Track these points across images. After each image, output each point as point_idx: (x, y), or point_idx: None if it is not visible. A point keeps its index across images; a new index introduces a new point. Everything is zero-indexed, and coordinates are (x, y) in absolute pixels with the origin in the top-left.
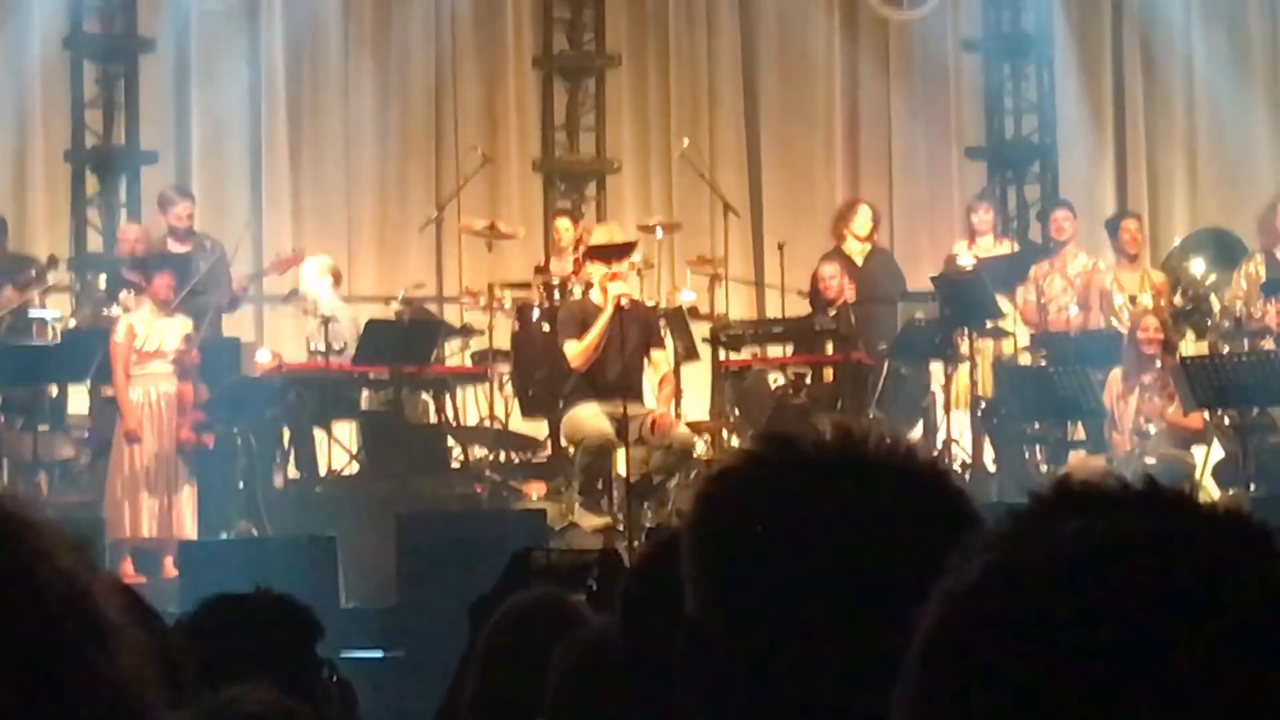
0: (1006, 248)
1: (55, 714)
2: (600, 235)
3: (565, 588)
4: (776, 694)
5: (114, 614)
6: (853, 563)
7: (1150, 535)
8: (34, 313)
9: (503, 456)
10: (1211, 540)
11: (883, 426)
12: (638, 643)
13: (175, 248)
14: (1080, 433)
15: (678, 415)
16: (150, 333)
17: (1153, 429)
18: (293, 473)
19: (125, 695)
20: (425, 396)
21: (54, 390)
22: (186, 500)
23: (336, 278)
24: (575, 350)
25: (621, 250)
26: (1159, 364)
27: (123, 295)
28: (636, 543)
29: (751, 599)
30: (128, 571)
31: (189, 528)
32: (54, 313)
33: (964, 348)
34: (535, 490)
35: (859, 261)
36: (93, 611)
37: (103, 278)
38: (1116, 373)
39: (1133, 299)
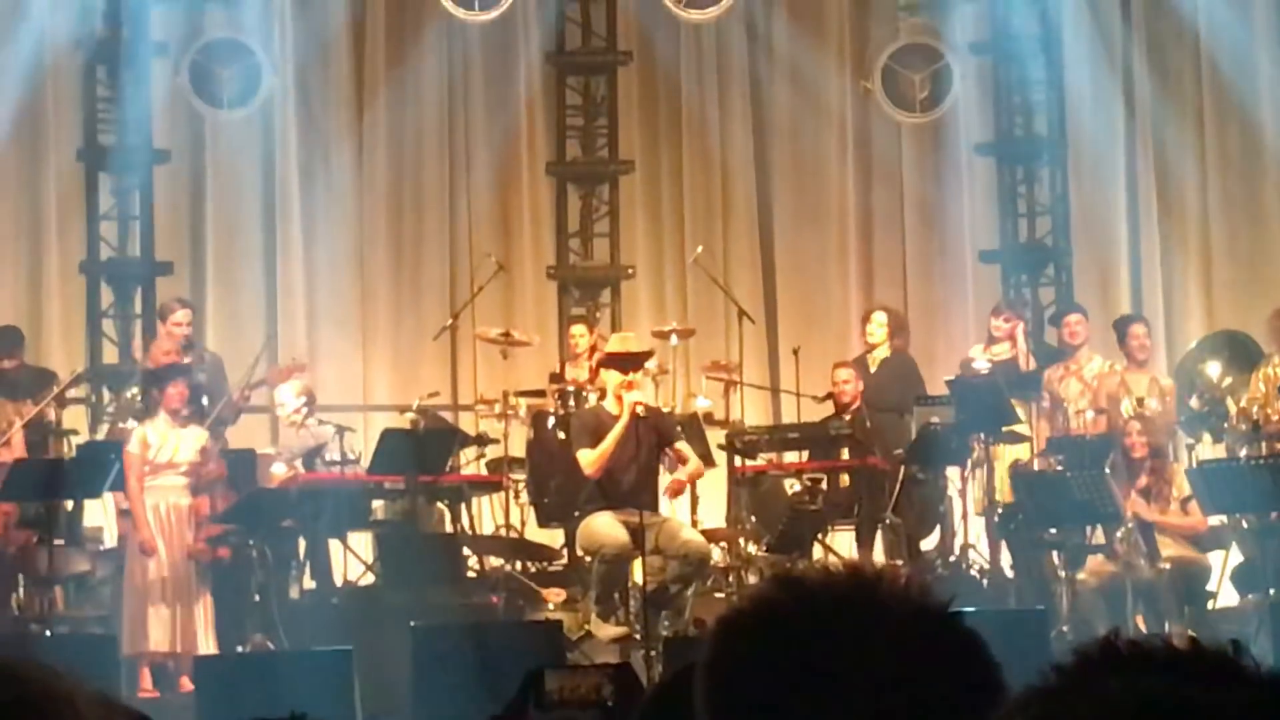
0: (1020, 356)
1: None
2: (615, 344)
3: (577, 705)
4: None
5: None
6: (864, 706)
7: (1192, 703)
8: (51, 426)
9: (519, 566)
10: (1254, 710)
11: (899, 532)
12: None
13: (174, 359)
14: (1099, 537)
15: (693, 523)
16: (164, 443)
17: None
18: (308, 584)
19: None
20: (441, 505)
21: (69, 504)
22: (202, 613)
23: (311, 398)
24: (589, 459)
25: (637, 359)
26: (1149, 469)
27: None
28: (653, 652)
29: None
30: (145, 686)
31: (204, 641)
32: (70, 429)
33: (980, 452)
34: (554, 597)
35: (872, 369)
36: None
37: (133, 391)
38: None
39: (1140, 402)
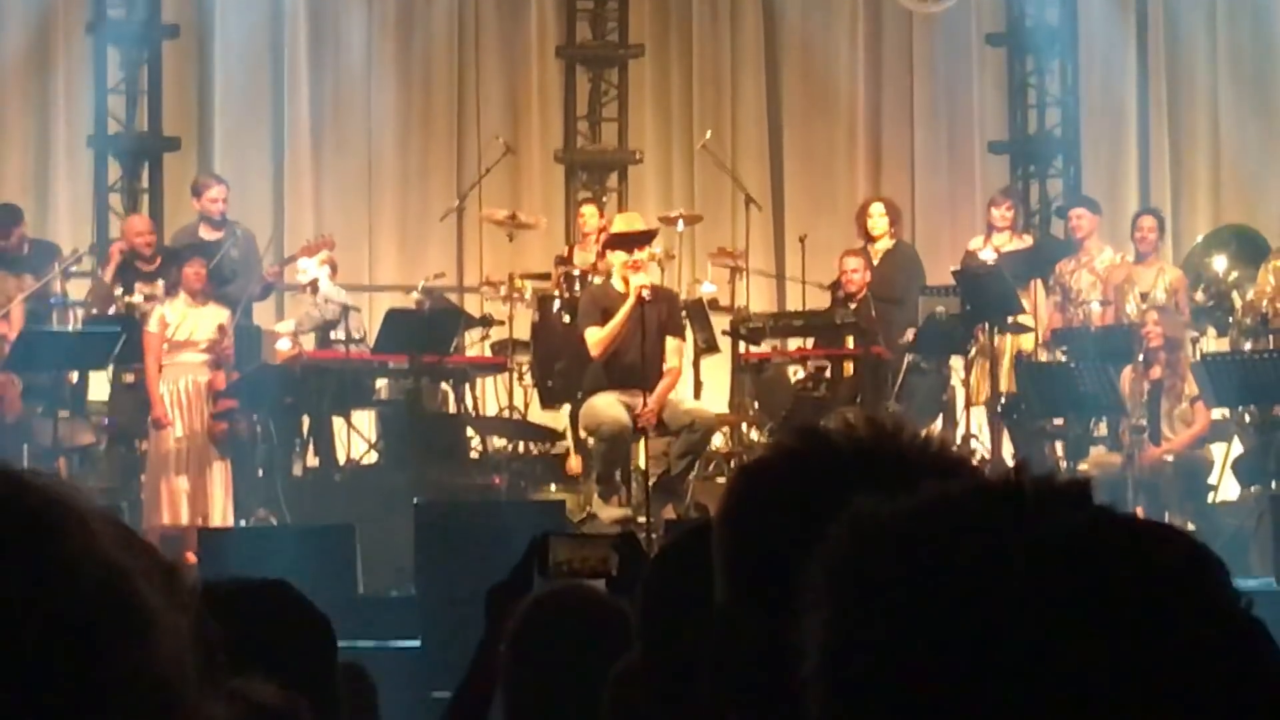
0: (1022, 244)
1: (95, 703)
2: (620, 224)
3: (583, 575)
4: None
5: (156, 601)
6: None
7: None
8: (55, 299)
9: (521, 447)
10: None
11: (902, 421)
12: (659, 634)
13: (207, 234)
14: (1102, 429)
15: (697, 399)
16: (182, 323)
17: (1165, 428)
18: (312, 461)
19: (164, 685)
20: (444, 386)
21: (74, 377)
22: (218, 485)
23: (333, 267)
24: (596, 338)
25: (642, 238)
26: (1163, 361)
27: (137, 285)
28: (655, 535)
29: (784, 589)
30: None
31: (219, 513)
32: (75, 300)
33: (984, 343)
34: (575, 468)
35: (875, 260)
36: (134, 600)
37: (110, 268)
38: (1127, 370)
39: (1144, 295)
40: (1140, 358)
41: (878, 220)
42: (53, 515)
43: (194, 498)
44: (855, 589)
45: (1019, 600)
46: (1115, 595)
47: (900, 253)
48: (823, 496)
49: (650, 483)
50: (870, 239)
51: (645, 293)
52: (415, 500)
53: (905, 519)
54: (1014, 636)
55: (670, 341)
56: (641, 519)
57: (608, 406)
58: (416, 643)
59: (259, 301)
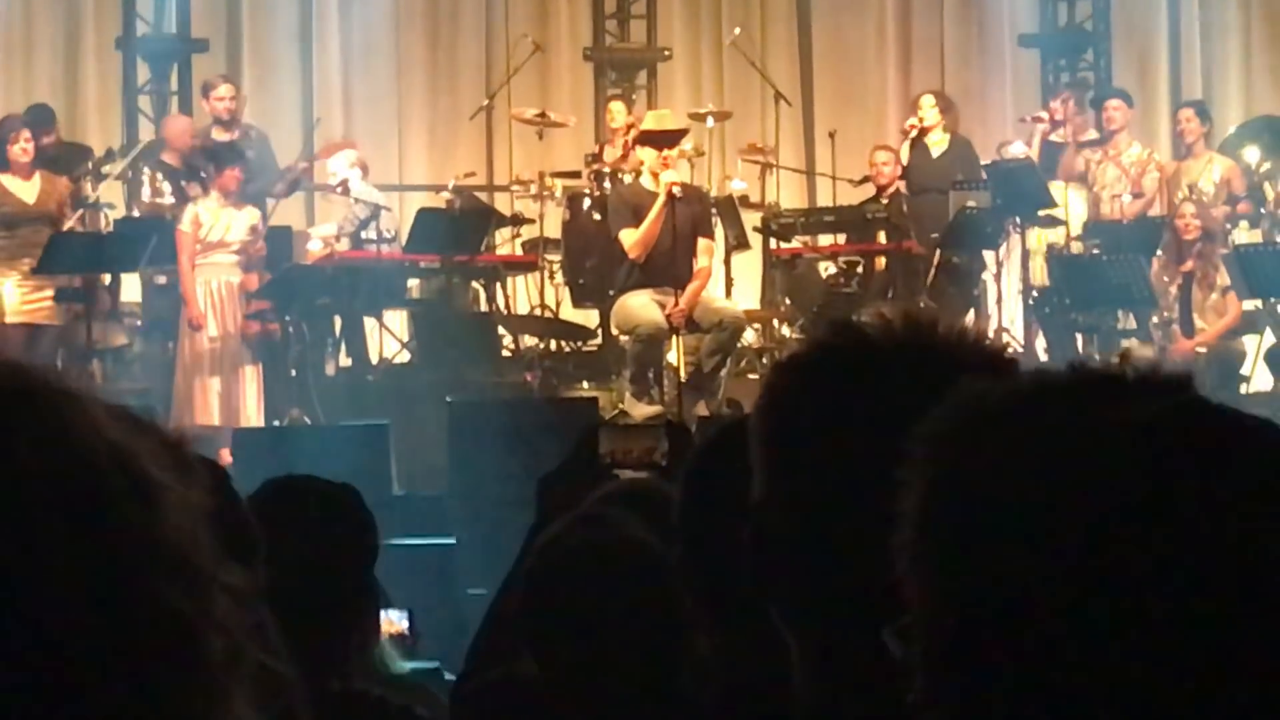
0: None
1: (104, 567)
2: (651, 121)
3: (632, 465)
4: (847, 579)
5: (162, 476)
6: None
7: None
8: (88, 202)
9: (553, 345)
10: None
11: (937, 315)
12: (697, 530)
13: (219, 135)
14: (1132, 321)
15: (728, 296)
16: (216, 223)
17: (1197, 319)
18: (344, 361)
19: (173, 551)
20: (476, 285)
21: (107, 278)
22: (250, 386)
23: (364, 169)
24: (632, 239)
25: (673, 136)
26: (1196, 253)
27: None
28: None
29: (822, 485)
30: None
31: (252, 413)
32: (108, 202)
33: (1016, 236)
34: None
35: (934, 153)
36: (139, 472)
37: (156, 174)
38: (1156, 262)
39: (1190, 188)
40: (1168, 249)
41: (928, 111)
42: (57, 399)
43: (227, 398)
44: (962, 462)
45: (1125, 482)
46: (1220, 479)
47: (958, 147)
48: (859, 391)
49: (682, 380)
50: (922, 129)
51: (676, 190)
52: (448, 399)
53: (1012, 398)
54: (1120, 519)
55: (701, 241)
56: (674, 417)
57: (642, 307)
58: (451, 540)
59: (283, 198)
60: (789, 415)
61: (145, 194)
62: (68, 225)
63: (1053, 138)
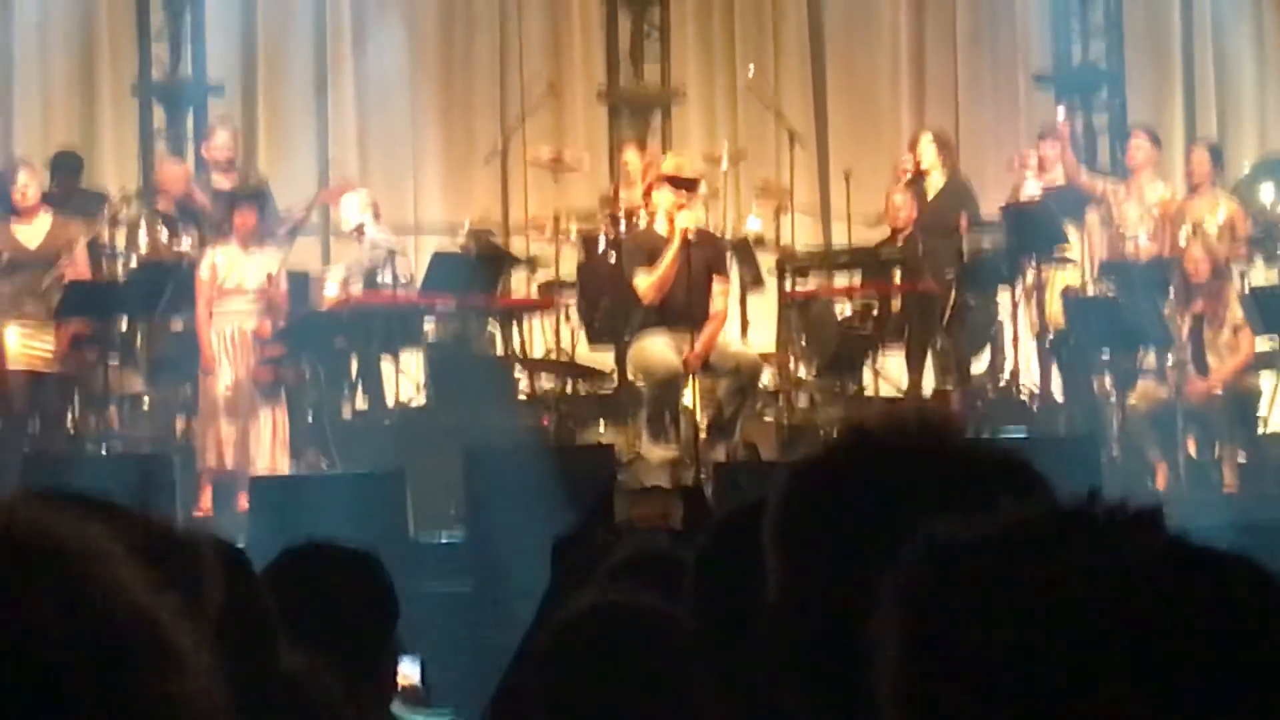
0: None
1: None
2: (670, 165)
3: (646, 528)
4: (862, 683)
5: (185, 640)
6: None
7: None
8: (105, 248)
9: (569, 387)
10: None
11: (950, 356)
12: (713, 615)
13: (219, 181)
14: (1150, 360)
15: (744, 341)
16: (233, 269)
17: (1210, 358)
18: (360, 404)
19: (195, 716)
20: (492, 328)
21: (124, 324)
22: (265, 431)
23: (376, 211)
24: (647, 284)
25: (691, 182)
26: (1206, 292)
27: (183, 230)
28: (704, 475)
29: (836, 592)
30: (203, 504)
31: (266, 459)
32: (124, 249)
33: (1031, 276)
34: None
35: (930, 194)
36: (161, 637)
37: (154, 222)
38: (1169, 302)
39: (1195, 228)
40: (1178, 290)
41: (926, 150)
42: (82, 560)
43: (243, 443)
44: (929, 615)
45: (1092, 630)
46: (1186, 626)
47: (955, 187)
48: (872, 499)
49: (702, 426)
50: (920, 173)
51: (691, 233)
52: (465, 446)
53: (983, 546)
54: (1087, 667)
55: (715, 284)
56: (690, 460)
57: (657, 351)
58: (467, 588)
59: (286, 244)
60: (803, 521)
61: (143, 241)
62: (67, 271)
63: (1043, 179)
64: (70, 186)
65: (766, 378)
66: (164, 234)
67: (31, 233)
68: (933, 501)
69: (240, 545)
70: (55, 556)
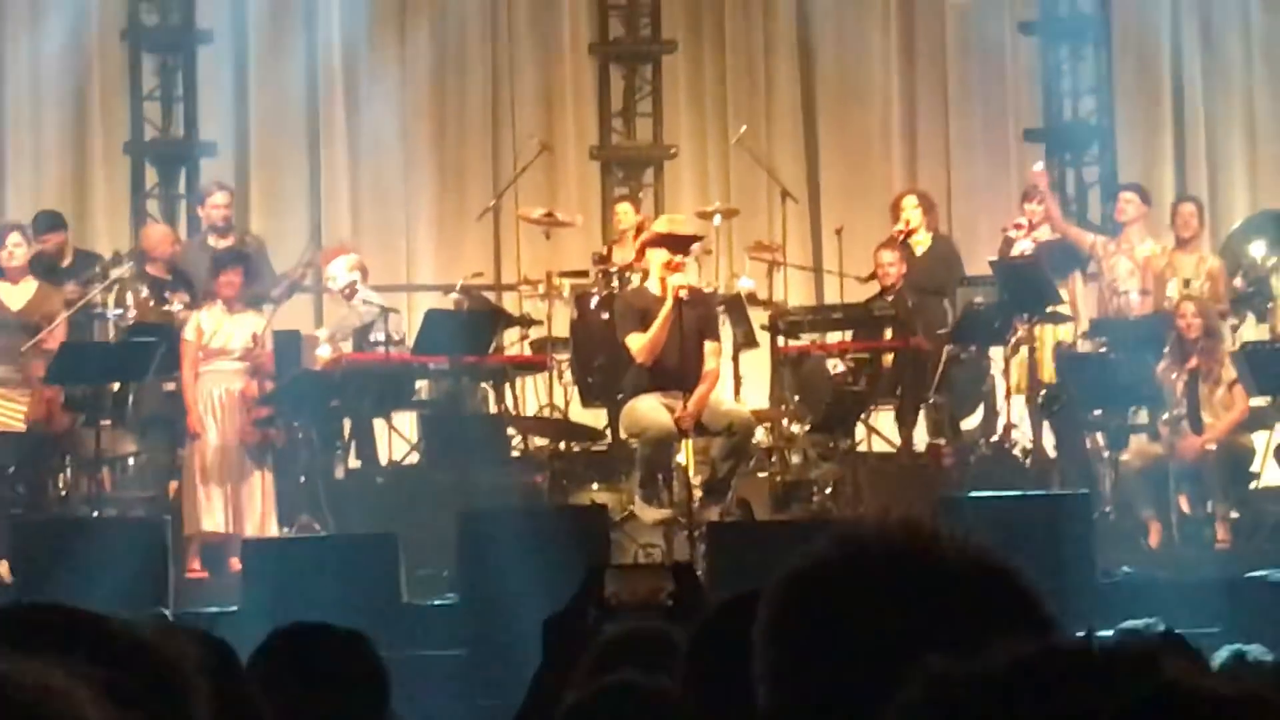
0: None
1: None
2: (664, 224)
3: (637, 607)
4: None
5: None
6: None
7: None
8: (98, 310)
9: (563, 446)
10: None
11: (942, 413)
12: (704, 708)
13: (215, 242)
14: (1143, 417)
15: (736, 398)
16: (218, 330)
17: (1205, 414)
18: (353, 463)
19: None
20: (485, 386)
21: (115, 385)
22: (255, 494)
23: (364, 273)
24: (639, 344)
25: (685, 241)
26: (1200, 350)
27: (169, 293)
28: (697, 534)
29: (826, 702)
30: (194, 566)
31: (255, 522)
32: (116, 310)
33: (1023, 333)
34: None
35: (917, 252)
36: None
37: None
38: (1162, 360)
39: (1186, 283)
40: (1173, 348)
41: (911, 212)
42: (48, 701)
43: (234, 505)
44: None
45: None
46: None
47: (940, 247)
48: (859, 611)
49: (696, 486)
50: (907, 232)
51: (683, 293)
52: (458, 510)
53: (982, 686)
54: None
55: (708, 344)
56: (683, 519)
57: (650, 411)
58: (460, 651)
59: (282, 303)
60: (791, 633)
61: (130, 304)
62: (47, 340)
63: (1033, 236)
64: (52, 246)
65: (760, 434)
66: (151, 298)
67: (16, 294)
68: (920, 614)
69: (233, 608)
70: (20, 709)
